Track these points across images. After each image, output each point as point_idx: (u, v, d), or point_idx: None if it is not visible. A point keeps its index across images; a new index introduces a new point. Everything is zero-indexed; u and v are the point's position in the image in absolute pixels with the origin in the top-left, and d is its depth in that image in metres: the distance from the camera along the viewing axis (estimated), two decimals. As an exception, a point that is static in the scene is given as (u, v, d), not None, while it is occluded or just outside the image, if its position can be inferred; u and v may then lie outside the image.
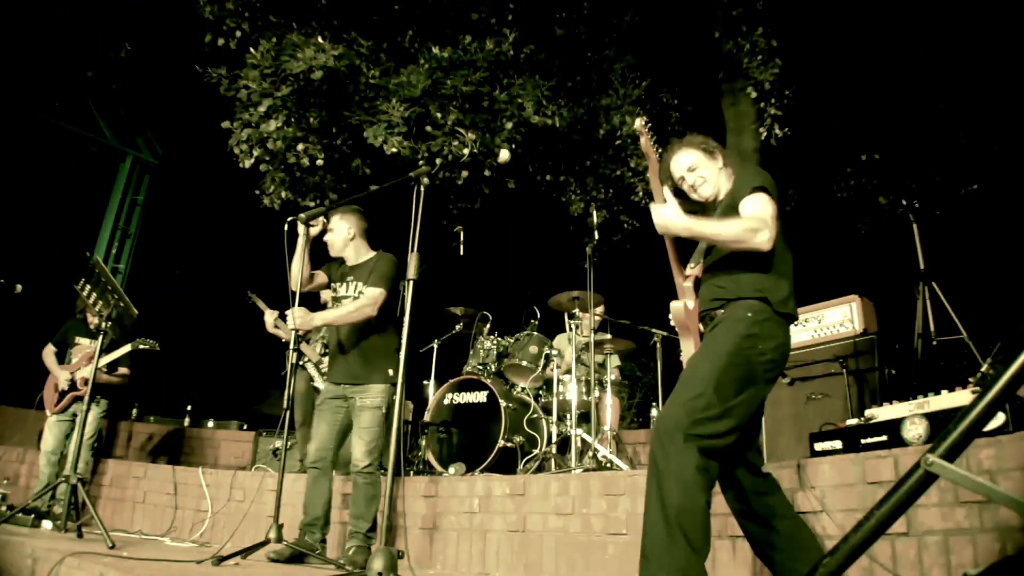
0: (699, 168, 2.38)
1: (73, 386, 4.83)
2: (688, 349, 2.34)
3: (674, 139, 2.50)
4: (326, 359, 4.96)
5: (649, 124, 2.27)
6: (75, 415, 4.88)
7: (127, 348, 4.81)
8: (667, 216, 2.19)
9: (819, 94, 7.29)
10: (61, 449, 4.86)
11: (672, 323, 2.39)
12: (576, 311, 4.84)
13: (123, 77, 8.19)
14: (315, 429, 3.38)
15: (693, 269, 2.40)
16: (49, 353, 4.97)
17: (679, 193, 2.41)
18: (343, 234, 3.51)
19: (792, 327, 4.03)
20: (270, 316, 4.93)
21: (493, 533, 3.35)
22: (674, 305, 2.35)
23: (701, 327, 2.32)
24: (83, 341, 5.02)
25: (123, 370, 5.00)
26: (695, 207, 2.37)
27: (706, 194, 2.40)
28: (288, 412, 3.34)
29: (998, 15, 6.46)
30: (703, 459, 1.94)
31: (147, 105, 8.48)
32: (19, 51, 7.71)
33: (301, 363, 5.01)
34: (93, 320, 5.03)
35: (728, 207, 2.25)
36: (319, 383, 4.94)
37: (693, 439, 1.94)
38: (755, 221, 2.11)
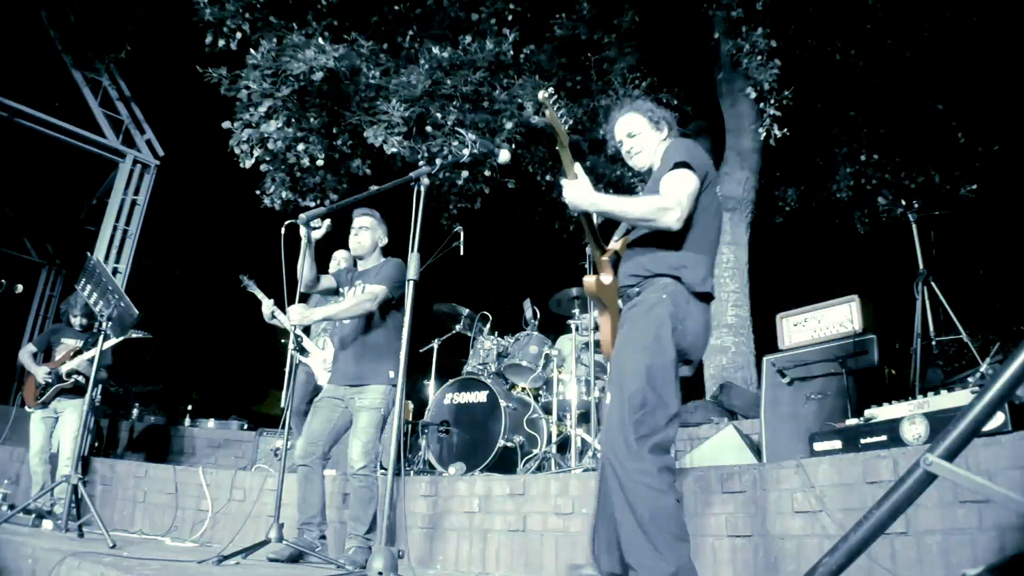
0: (639, 136, 2.34)
1: (57, 379, 4.84)
2: (604, 326, 2.30)
3: (626, 99, 2.47)
4: (327, 352, 4.97)
5: (555, 96, 2.11)
6: (57, 412, 4.88)
7: (120, 338, 4.81)
8: (575, 192, 2.13)
9: (819, 94, 7.29)
10: (50, 447, 4.87)
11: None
12: (576, 311, 4.85)
13: (123, 77, 8.20)
14: (308, 425, 3.37)
15: (615, 244, 2.35)
16: (26, 353, 4.98)
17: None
18: (373, 238, 3.52)
19: (792, 327, 4.07)
20: (267, 306, 4.96)
21: (493, 533, 3.35)
22: (587, 279, 2.29)
23: (620, 303, 2.27)
24: (68, 341, 5.03)
25: (102, 367, 5.00)
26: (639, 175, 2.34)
27: (640, 163, 2.36)
28: (288, 412, 3.35)
29: (998, 15, 6.46)
30: (659, 458, 1.93)
31: (147, 105, 8.48)
32: (20, 50, 7.72)
33: (302, 360, 5.03)
34: (78, 322, 5.04)
35: (655, 181, 2.21)
36: (321, 380, 4.94)
37: (642, 440, 1.92)
38: (666, 200, 2.07)
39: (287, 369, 5.00)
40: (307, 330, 5.18)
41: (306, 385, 5.04)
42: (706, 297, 2.16)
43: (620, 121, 2.38)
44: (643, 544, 1.83)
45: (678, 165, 2.12)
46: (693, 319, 2.10)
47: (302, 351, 5.03)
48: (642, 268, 2.17)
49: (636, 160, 2.36)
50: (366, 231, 3.51)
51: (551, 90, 2.12)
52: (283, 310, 5.13)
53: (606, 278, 2.27)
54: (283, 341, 5.21)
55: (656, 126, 2.34)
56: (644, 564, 1.82)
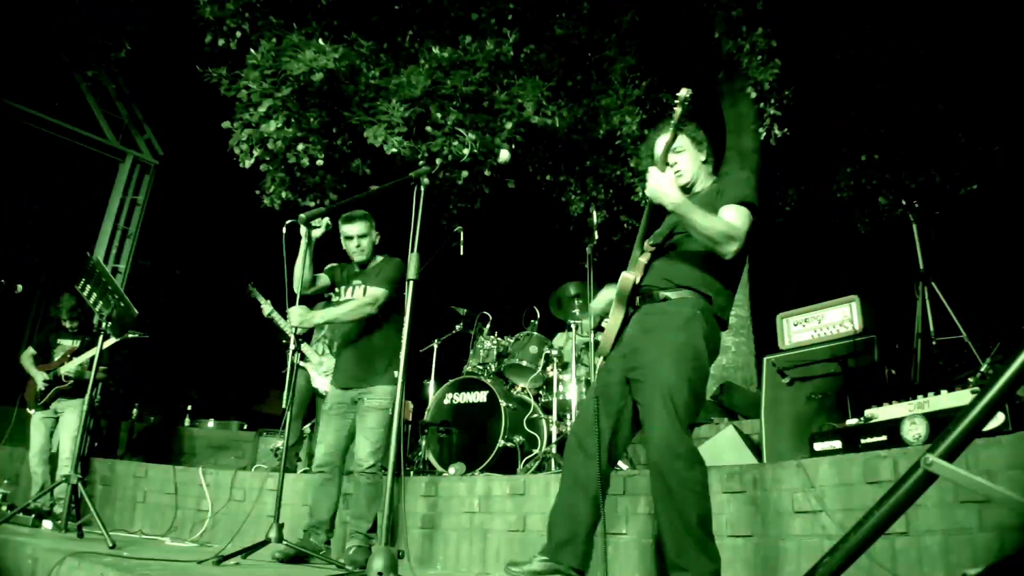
0: (684, 152, 2.38)
1: (57, 381, 4.85)
2: (615, 322, 2.32)
3: (667, 119, 2.50)
4: (326, 359, 4.98)
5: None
6: (57, 412, 4.89)
7: (117, 338, 4.81)
8: (664, 183, 2.14)
9: (819, 94, 7.29)
10: (49, 448, 4.87)
11: (615, 295, 2.34)
12: (576, 311, 4.85)
13: (123, 77, 8.19)
14: (321, 434, 3.39)
15: (650, 247, 2.37)
16: (27, 356, 5.01)
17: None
18: (372, 240, 3.51)
19: (792, 327, 4.07)
20: (267, 307, 5.00)
21: (493, 533, 3.35)
22: (626, 276, 2.30)
23: (637, 302, 2.32)
24: (65, 343, 5.04)
25: (101, 367, 5.00)
26: None
27: (682, 180, 2.38)
28: (289, 412, 3.35)
29: (998, 15, 6.46)
30: (704, 465, 2.05)
31: (147, 105, 8.48)
32: (20, 50, 7.71)
33: (300, 364, 5.04)
34: (72, 325, 5.05)
35: (704, 203, 2.23)
36: (319, 384, 4.95)
37: (693, 449, 2.05)
38: (734, 230, 2.13)
39: (287, 370, 5.01)
40: (308, 335, 5.20)
41: (304, 389, 5.07)
42: (724, 325, 2.28)
43: (660, 141, 2.40)
44: (693, 546, 1.96)
45: (745, 203, 2.20)
46: (717, 341, 2.23)
47: (302, 356, 5.05)
48: (677, 275, 2.24)
49: (679, 176, 2.39)
50: (365, 238, 3.49)
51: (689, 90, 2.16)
52: (283, 311, 5.14)
53: (637, 276, 2.31)
54: (284, 342, 5.22)
55: (698, 146, 2.40)
56: (694, 564, 1.96)
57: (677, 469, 1.99)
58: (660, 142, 2.40)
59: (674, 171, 2.35)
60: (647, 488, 2.92)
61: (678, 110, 2.15)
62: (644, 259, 2.32)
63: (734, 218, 2.16)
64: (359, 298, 3.37)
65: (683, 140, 2.38)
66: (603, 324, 2.42)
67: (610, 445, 2.22)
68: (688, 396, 2.08)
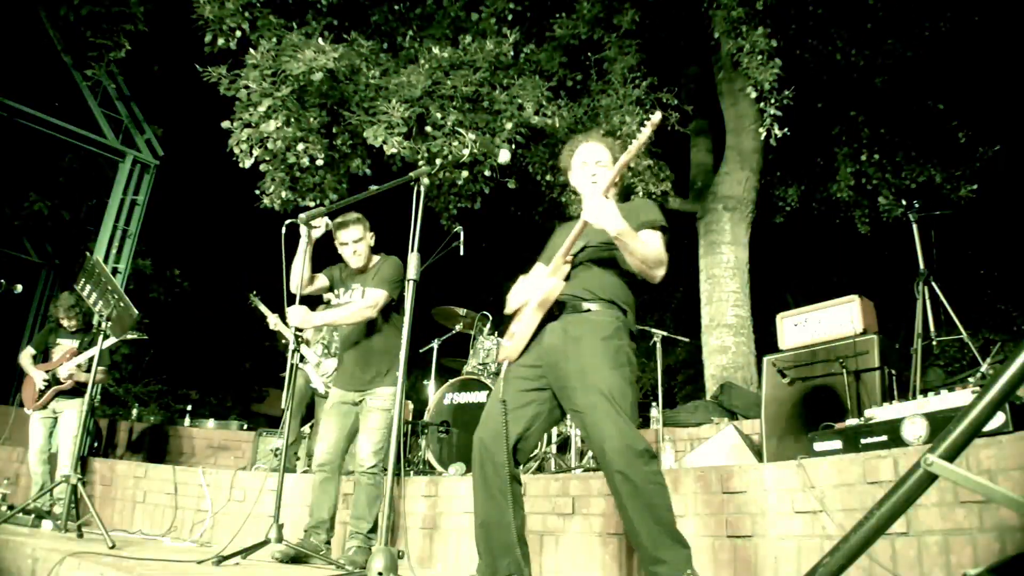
0: (606, 168, 2.42)
1: (56, 381, 4.84)
2: (529, 328, 2.32)
3: (586, 133, 2.56)
4: (324, 360, 4.98)
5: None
6: (56, 412, 4.89)
7: (117, 339, 4.81)
8: (610, 210, 2.14)
9: (819, 94, 7.29)
10: (49, 448, 4.87)
11: (531, 303, 2.32)
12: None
13: (123, 77, 8.20)
14: (323, 432, 3.38)
15: (570, 258, 2.38)
16: (26, 356, 5.00)
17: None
18: (368, 243, 3.47)
19: (792, 327, 4.07)
20: (272, 319, 5.02)
21: (493, 533, 3.34)
22: (556, 284, 2.30)
23: (554, 311, 2.33)
24: (64, 343, 5.03)
25: (101, 367, 5.00)
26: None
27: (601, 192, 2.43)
28: (288, 412, 3.35)
29: (998, 15, 6.46)
30: (656, 452, 2.14)
31: (147, 105, 8.48)
32: (20, 50, 7.72)
33: (300, 365, 5.04)
34: (70, 324, 5.04)
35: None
36: (317, 384, 4.95)
37: (648, 446, 2.07)
38: (664, 255, 2.25)
39: (287, 371, 5.01)
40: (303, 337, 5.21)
41: (303, 389, 5.09)
42: (633, 335, 2.35)
43: (588, 147, 2.49)
44: (666, 537, 2.01)
45: (662, 228, 2.32)
46: (635, 353, 2.30)
47: (301, 357, 5.05)
48: (599, 288, 2.30)
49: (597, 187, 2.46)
50: (361, 242, 3.43)
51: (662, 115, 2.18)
52: (281, 311, 5.14)
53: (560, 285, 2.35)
54: (283, 342, 5.23)
55: (615, 163, 2.42)
56: (670, 555, 1.99)
57: (639, 466, 2.03)
58: (584, 150, 2.48)
59: (592, 181, 2.40)
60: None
61: (648, 131, 2.14)
62: (567, 268, 2.35)
63: (658, 243, 2.26)
64: (358, 301, 3.37)
65: (607, 154, 2.45)
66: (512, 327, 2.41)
67: (516, 450, 2.23)
68: (632, 398, 2.14)
